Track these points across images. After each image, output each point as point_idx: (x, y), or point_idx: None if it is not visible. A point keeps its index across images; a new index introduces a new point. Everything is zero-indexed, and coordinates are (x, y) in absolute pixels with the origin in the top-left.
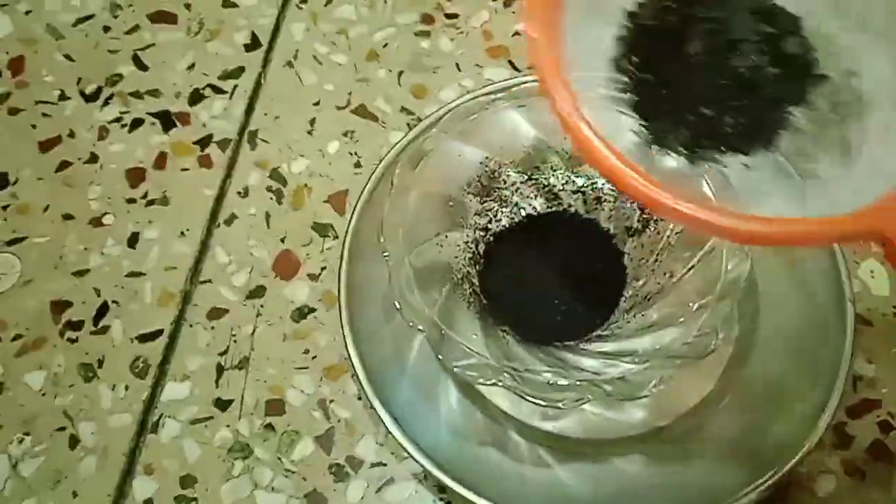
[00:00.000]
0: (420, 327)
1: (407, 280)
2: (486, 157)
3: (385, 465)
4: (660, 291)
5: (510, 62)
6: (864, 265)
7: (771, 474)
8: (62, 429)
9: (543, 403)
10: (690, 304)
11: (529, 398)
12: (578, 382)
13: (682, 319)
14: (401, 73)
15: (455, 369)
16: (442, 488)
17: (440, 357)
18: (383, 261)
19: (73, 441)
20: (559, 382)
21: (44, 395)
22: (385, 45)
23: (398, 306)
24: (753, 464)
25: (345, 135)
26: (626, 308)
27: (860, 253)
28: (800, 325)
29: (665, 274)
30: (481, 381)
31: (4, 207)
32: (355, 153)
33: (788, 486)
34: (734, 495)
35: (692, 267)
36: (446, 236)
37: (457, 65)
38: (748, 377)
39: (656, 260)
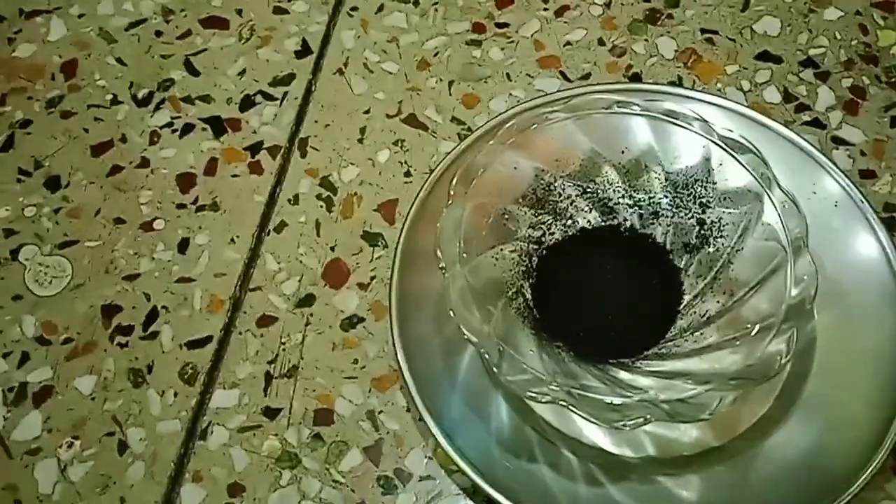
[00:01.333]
0: (476, 342)
1: (463, 294)
2: (542, 170)
3: (434, 478)
4: (719, 311)
5: (561, 73)
6: None
7: (831, 500)
8: (111, 434)
9: (602, 424)
10: (750, 326)
11: (587, 418)
12: (639, 402)
13: (742, 341)
14: (451, 82)
15: (511, 385)
16: (492, 502)
17: (497, 372)
18: (434, 272)
19: (122, 446)
20: (617, 402)
21: (93, 399)
22: (436, 54)
23: (456, 321)
24: (812, 488)
25: (395, 144)
26: (683, 327)
27: None
28: (859, 346)
29: (724, 293)
30: (539, 398)
31: (56, 211)
32: (405, 162)
33: None
34: None
35: (754, 287)
36: (501, 249)
37: (507, 74)
38: (806, 398)
39: (715, 278)
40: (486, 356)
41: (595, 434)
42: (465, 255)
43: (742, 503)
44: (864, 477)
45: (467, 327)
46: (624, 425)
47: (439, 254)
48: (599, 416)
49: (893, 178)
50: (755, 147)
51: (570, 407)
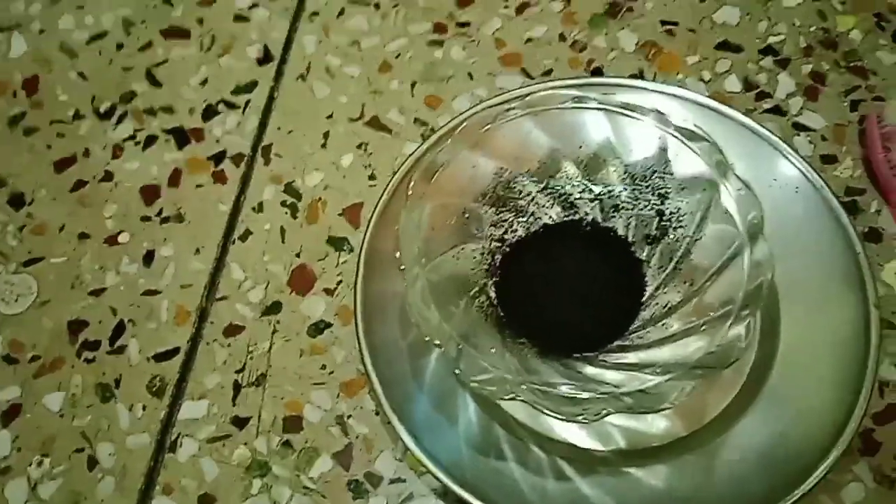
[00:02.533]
0: (437, 342)
1: (423, 294)
2: (501, 168)
3: (404, 480)
4: (680, 301)
5: (523, 69)
6: (887, 267)
7: (798, 484)
8: (80, 450)
9: (563, 417)
10: (712, 314)
11: (549, 412)
12: (598, 395)
13: (703, 329)
14: (414, 83)
15: (473, 384)
16: (463, 503)
17: (457, 372)
18: (399, 274)
19: (92, 462)
20: (579, 396)
21: (62, 416)
22: (398, 56)
23: (415, 321)
24: (780, 474)
25: (359, 147)
26: (646, 318)
27: (883, 255)
28: (823, 331)
29: (685, 282)
30: (500, 395)
31: (21, 228)
32: (369, 165)
33: (816, 495)
34: None
35: (713, 275)
36: (462, 248)
37: (469, 74)
38: (771, 385)
39: (676, 268)
40: (446, 355)
41: (564, 429)
42: (425, 255)
43: (711, 491)
44: (830, 460)
45: (426, 327)
46: (585, 418)
47: (399, 255)
48: (561, 410)
49: (854, 162)
50: (709, 135)
51: (532, 403)
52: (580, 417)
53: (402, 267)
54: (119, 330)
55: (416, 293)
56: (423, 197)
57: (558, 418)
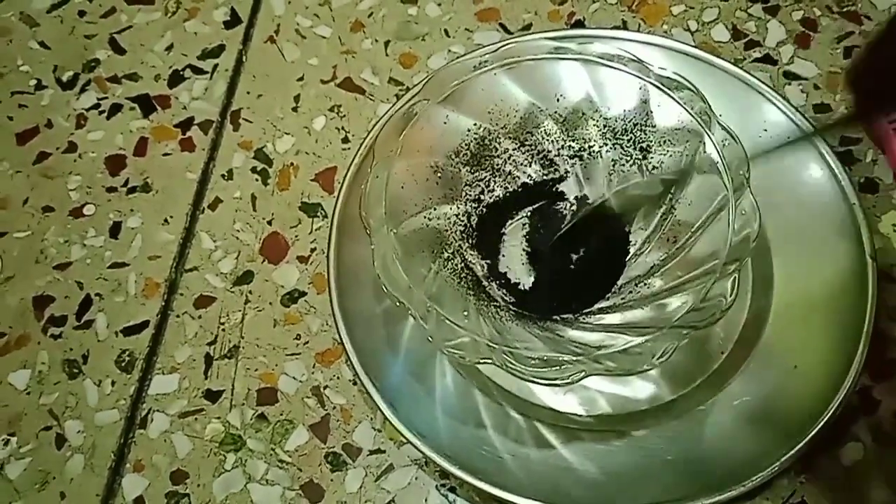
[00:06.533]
0: (407, 306)
1: (391, 255)
2: (475, 124)
3: (384, 451)
4: (664, 258)
5: (501, 25)
6: (885, 219)
7: (793, 445)
8: (48, 428)
9: (541, 382)
10: (696, 269)
11: (524, 377)
12: (575, 358)
13: (687, 286)
14: (387, 42)
15: (445, 349)
16: (444, 473)
17: (428, 335)
18: None
19: (60, 440)
20: (554, 358)
21: (29, 393)
22: (370, 15)
23: (383, 284)
24: (774, 434)
25: (331, 110)
26: (630, 277)
27: (880, 206)
28: (818, 286)
29: (669, 240)
30: (472, 360)
31: None
32: (343, 128)
33: (813, 455)
34: (755, 469)
35: (698, 230)
36: (434, 209)
37: (445, 31)
38: (764, 343)
39: (660, 225)
40: (416, 318)
41: (546, 394)
42: (393, 216)
43: (699, 454)
44: (825, 418)
45: (395, 290)
46: (562, 380)
47: (364, 214)
48: (536, 373)
49: (849, 110)
50: (692, 84)
51: (507, 368)
52: (557, 380)
53: (367, 229)
54: (86, 304)
55: (382, 255)
56: (391, 155)
57: (536, 382)
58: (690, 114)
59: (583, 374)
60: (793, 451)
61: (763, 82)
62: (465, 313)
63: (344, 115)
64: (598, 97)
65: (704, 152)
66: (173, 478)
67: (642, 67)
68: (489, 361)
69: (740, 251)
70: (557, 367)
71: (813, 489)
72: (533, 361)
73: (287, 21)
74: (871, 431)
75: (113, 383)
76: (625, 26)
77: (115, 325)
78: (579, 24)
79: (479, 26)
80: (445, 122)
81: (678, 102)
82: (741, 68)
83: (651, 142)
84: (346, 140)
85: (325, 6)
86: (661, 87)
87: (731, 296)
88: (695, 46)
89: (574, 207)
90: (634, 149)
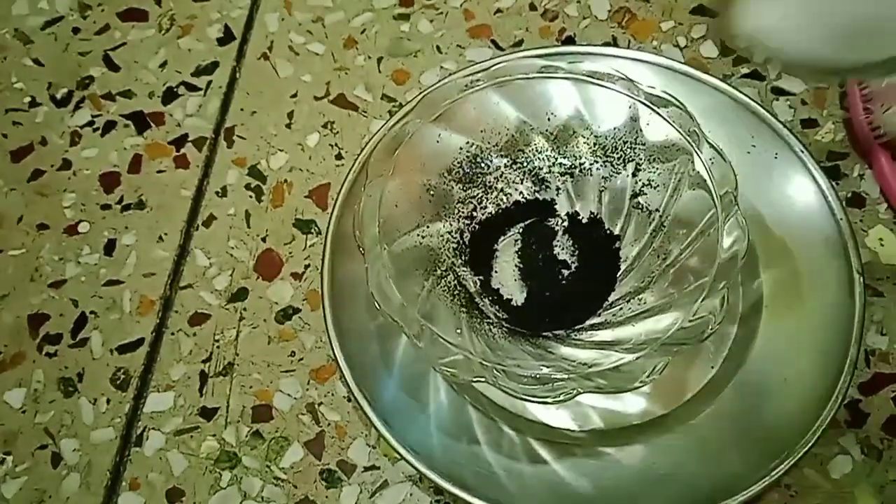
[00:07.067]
0: (400, 324)
1: (385, 274)
2: (467, 142)
3: (378, 468)
4: (654, 275)
5: (493, 41)
6: (871, 233)
7: (783, 459)
8: (44, 447)
9: (533, 399)
10: (686, 287)
11: (515, 395)
12: (566, 376)
13: (677, 303)
14: (380, 59)
15: (439, 367)
16: (439, 489)
17: (424, 354)
18: None
19: (56, 459)
20: (545, 375)
21: (24, 412)
22: (363, 31)
23: (376, 304)
24: (764, 449)
25: (324, 126)
26: (621, 294)
27: (867, 221)
28: (806, 301)
29: (659, 256)
30: (465, 378)
31: None
32: (336, 145)
33: (802, 469)
34: (746, 483)
35: (687, 247)
36: (427, 226)
37: (437, 47)
38: (754, 358)
39: (650, 242)
40: (409, 337)
41: (540, 410)
42: (387, 234)
43: (690, 469)
44: (814, 433)
45: (388, 309)
46: (554, 399)
47: (357, 234)
48: (527, 391)
49: (836, 125)
50: (680, 101)
51: (498, 385)
52: (548, 398)
53: (361, 248)
54: (81, 322)
55: (376, 274)
56: (384, 174)
57: (526, 400)
58: (678, 131)
59: (574, 392)
60: (783, 465)
61: (751, 98)
62: (458, 331)
63: (337, 132)
64: (588, 114)
65: (694, 170)
66: (169, 496)
67: (631, 85)
68: (482, 380)
69: (729, 269)
70: (549, 385)
71: (803, 502)
72: (525, 379)
73: (280, 38)
74: (859, 444)
75: (108, 401)
76: (615, 43)
77: (109, 343)
78: (570, 41)
79: (471, 43)
80: (437, 141)
81: (666, 120)
82: (729, 84)
83: (641, 159)
84: (339, 157)
85: (319, 23)
86: (650, 104)
87: (720, 313)
88: (684, 63)
89: (566, 223)
90: (624, 166)
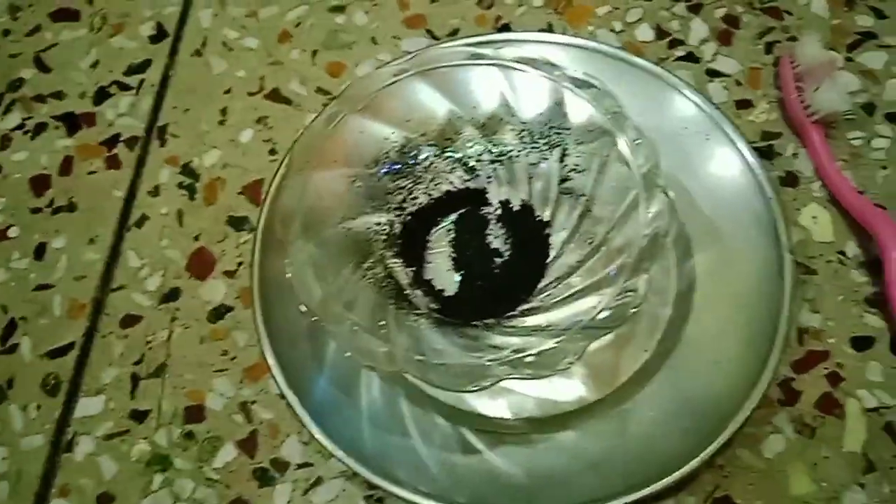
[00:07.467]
0: (318, 316)
1: (306, 268)
2: (393, 132)
3: (311, 465)
4: (582, 259)
5: (428, 31)
6: (805, 211)
7: (714, 439)
8: None
9: (456, 389)
10: (611, 268)
11: (442, 386)
12: (487, 363)
13: (600, 285)
14: (315, 52)
15: (361, 360)
16: (372, 485)
17: (346, 351)
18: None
19: None
20: (469, 365)
21: None
22: (298, 25)
23: (298, 298)
24: (697, 429)
25: (258, 122)
26: (551, 279)
27: (801, 199)
28: (737, 281)
29: (586, 241)
30: (385, 371)
31: None
32: (270, 140)
33: (735, 449)
34: (678, 464)
35: (612, 229)
36: (355, 218)
37: (373, 38)
38: (686, 341)
39: (578, 226)
40: (329, 330)
41: (473, 399)
42: (309, 227)
43: (624, 453)
44: (744, 411)
45: (309, 302)
46: (476, 387)
47: (280, 229)
48: (449, 382)
49: (770, 105)
50: (601, 83)
51: (417, 375)
52: (470, 387)
53: (283, 241)
54: (10, 328)
55: (298, 268)
56: (305, 167)
57: (449, 390)
58: (600, 112)
59: (497, 379)
60: (714, 446)
61: (683, 80)
62: (383, 323)
63: (271, 127)
64: (515, 101)
65: (617, 151)
66: (100, 501)
67: (552, 68)
68: (402, 371)
69: (652, 248)
70: (473, 374)
71: (736, 483)
72: (442, 369)
73: (214, 34)
74: (792, 423)
75: (38, 407)
76: (550, 29)
77: (40, 348)
78: (506, 28)
79: (407, 33)
80: (362, 132)
81: (586, 100)
82: (662, 67)
83: (567, 143)
84: (273, 152)
85: (253, 17)
86: (570, 87)
87: (642, 295)
88: (618, 47)
89: (498, 212)
90: (550, 151)
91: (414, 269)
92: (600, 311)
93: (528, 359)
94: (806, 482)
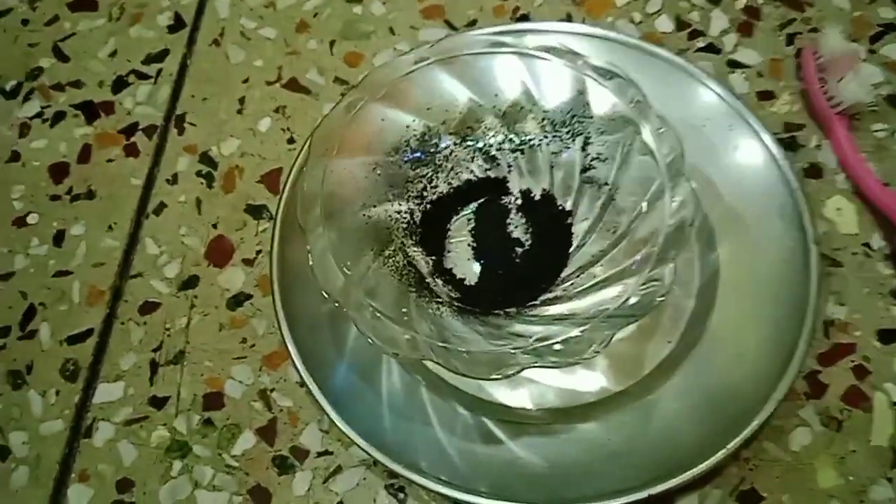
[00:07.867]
0: (341, 304)
1: (326, 255)
2: (414, 120)
3: (331, 453)
4: (606, 248)
5: (446, 21)
6: (829, 203)
7: (740, 431)
8: None
9: (480, 377)
10: (635, 258)
11: (465, 374)
12: (512, 352)
13: (625, 275)
14: (333, 41)
15: (384, 348)
16: (393, 473)
17: (368, 338)
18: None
19: (5, 452)
20: (493, 352)
21: None
22: (315, 15)
23: (318, 285)
24: (722, 422)
25: (276, 111)
26: (574, 269)
27: (825, 191)
28: (763, 272)
29: (610, 230)
30: (408, 358)
31: None
32: (288, 129)
33: (762, 442)
34: (703, 457)
35: (636, 218)
36: (375, 206)
37: (391, 28)
38: (710, 333)
39: (601, 215)
40: (350, 317)
41: (495, 389)
42: (330, 215)
43: (647, 445)
44: (770, 404)
45: (330, 289)
46: (500, 375)
47: (300, 216)
48: (473, 370)
49: (792, 96)
50: (625, 73)
51: (444, 363)
52: (494, 375)
53: (303, 228)
54: (30, 314)
55: (318, 255)
56: (326, 154)
57: (474, 378)
58: (624, 102)
59: (520, 367)
60: (739, 438)
61: (704, 71)
62: (405, 310)
63: (289, 116)
64: (536, 90)
65: (640, 140)
66: (119, 486)
67: (575, 58)
68: (425, 358)
69: (677, 237)
70: (497, 362)
71: (762, 476)
72: (465, 357)
73: (232, 23)
74: (819, 416)
75: (58, 393)
76: (569, 19)
77: (59, 335)
78: (524, 19)
79: (425, 23)
80: (383, 119)
81: (612, 92)
82: (684, 58)
83: (589, 133)
84: (291, 141)
85: (270, 7)
86: (593, 76)
87: (668, 284)
88: (639, 38)
89: (519, 201)
90: (573, 140)
91: (434, 257)
92: (627, 298)
93: (554, 347)
94: (833, 476)
